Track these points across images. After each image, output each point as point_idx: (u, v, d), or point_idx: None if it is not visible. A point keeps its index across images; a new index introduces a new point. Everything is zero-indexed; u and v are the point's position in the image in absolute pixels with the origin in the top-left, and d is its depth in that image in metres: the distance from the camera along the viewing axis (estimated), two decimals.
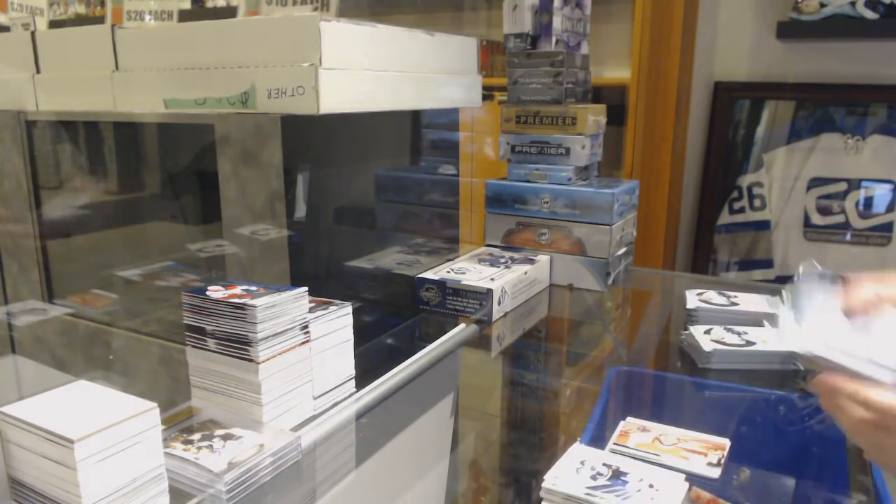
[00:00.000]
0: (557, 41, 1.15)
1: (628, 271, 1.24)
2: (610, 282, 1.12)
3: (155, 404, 0.51)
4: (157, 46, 0.83)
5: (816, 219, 1.80)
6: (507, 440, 0.96)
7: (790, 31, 1.69)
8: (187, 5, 1.07)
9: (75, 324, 1.09)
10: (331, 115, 0.74)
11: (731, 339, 0.90)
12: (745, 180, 1.86)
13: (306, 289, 0.64)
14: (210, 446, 0.58)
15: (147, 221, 1.07)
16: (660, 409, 0.91)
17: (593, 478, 0.59)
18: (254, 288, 0.63)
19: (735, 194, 1.88)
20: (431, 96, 0.96)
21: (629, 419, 0.77)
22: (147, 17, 1.07)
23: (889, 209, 1.72)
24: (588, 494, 0.56)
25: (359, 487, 0.66)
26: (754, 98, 1.86)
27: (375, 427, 0.72)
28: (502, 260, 1.10)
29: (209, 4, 1.07)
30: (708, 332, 0.92)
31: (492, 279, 0.99)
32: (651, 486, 0.58)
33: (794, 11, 1.67)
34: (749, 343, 0.89)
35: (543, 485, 0.58)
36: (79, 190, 1.11)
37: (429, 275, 1.01)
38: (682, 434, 0.73)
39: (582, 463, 0.61)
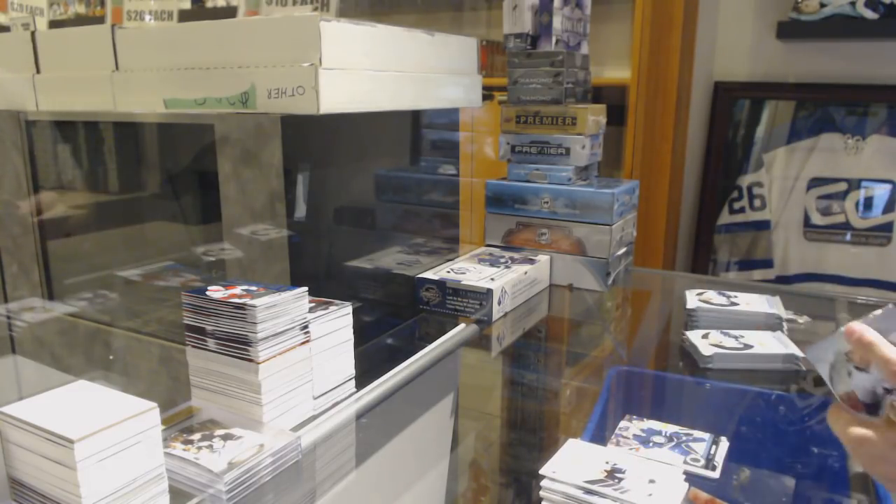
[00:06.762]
0: (557, 41, 1.15)
1: (628, 271, 1.24)
2: (610, 282, 1.12)
3: (155, 404, 0.51)
4: (157, 46, 0.83)
5: (816, 219, 1.80)
6: (507, 440, 0.96)
7: (790, 31, 1.69)
8: (187, 5, 1.06)
9: (75, 324, 1.09)
10: (331, 115, 0.74)
11: (729, 342, 0.90)
12: (745, 180, 1.86)
13: (306, 289, 0.64)
14: (210, 446, 0.58)
15: (147, 221, 1.07)
16: (660, 408, 0.91)
17: (592, 473, 0.59)
18: (254, 288, 0.63)
19: (735, 194, 1.88)
20: (431, 96, 0.96)
21: (629, 419, 0.77)
22: (147, 17, 1.07)
23: (889, 209, 1.72)
24: (587, 491, 0.57)
25: (359, 487, 0.66)
26: (754, 98, 1.86)
27: (375, 427, 0.72)
28: (502, 260, 1.10)
29: (209, 4, 1.07)
30: (705, 336, 0.92)
31: (492, 279, 0.99)
32: (650, 481, 0.58)
33: (794, 11, 1.67)
34: (747, 346, 0.89)
35: (543, 483, 0.58)
36: (79, 190, 1.11)
37: (429, 275, 1.01)
38: (682, 433, 0.73)
39: (581, 459, 0.61)
